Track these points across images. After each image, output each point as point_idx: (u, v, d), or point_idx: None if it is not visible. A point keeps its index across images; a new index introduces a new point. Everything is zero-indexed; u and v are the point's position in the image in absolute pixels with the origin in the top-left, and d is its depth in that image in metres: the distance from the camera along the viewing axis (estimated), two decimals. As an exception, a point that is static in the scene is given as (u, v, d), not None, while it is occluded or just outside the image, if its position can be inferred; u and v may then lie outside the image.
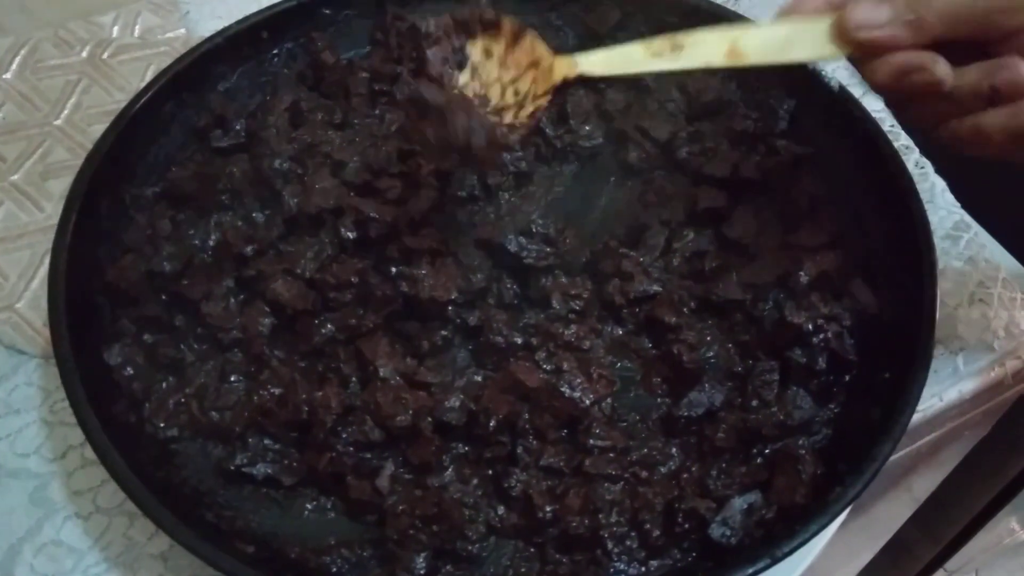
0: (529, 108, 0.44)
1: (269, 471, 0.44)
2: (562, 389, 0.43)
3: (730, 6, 0.70)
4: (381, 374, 0.45)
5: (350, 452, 0.44)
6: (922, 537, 1.08)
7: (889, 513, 0.86)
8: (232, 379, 0.47)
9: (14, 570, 0.46)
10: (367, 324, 0.47)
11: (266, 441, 0.45)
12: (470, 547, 0.42)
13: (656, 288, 0.49)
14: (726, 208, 0.51)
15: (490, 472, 0.44)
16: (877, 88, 0.40)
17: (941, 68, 0.38)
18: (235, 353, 0.48)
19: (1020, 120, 0.37)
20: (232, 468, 0.44)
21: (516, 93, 0.45)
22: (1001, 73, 0.37)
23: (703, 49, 0.42)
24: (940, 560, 1.13)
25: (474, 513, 0.42)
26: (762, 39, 0.41)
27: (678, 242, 0.51)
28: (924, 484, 0.82)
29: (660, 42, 0.42)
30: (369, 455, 0.44)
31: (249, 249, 0.50)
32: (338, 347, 0.47)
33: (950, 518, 1.04)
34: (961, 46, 0.38)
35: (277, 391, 0.45)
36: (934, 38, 0.38)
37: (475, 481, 0.43)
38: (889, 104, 0.41)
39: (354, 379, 0.46)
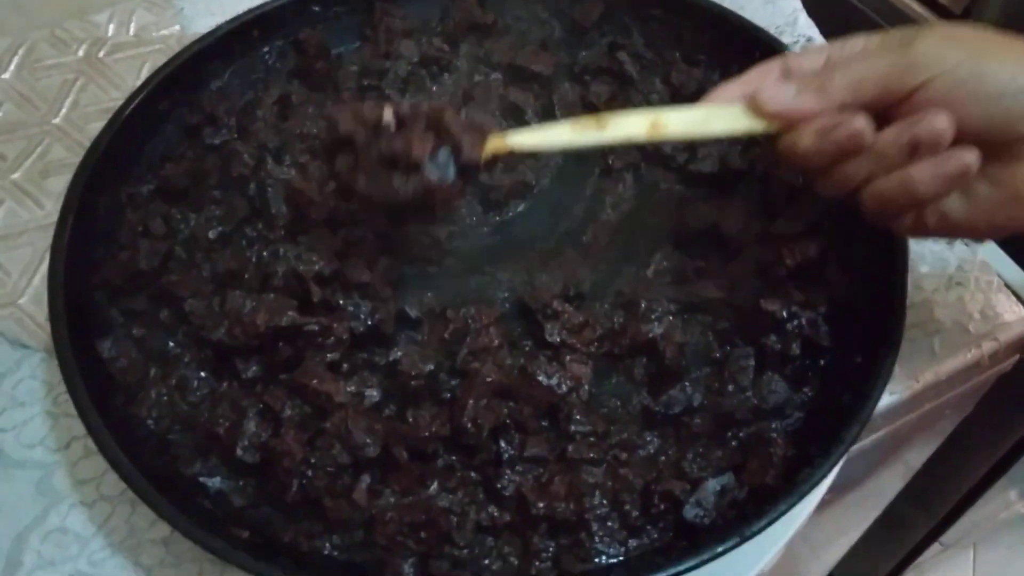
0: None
1: (221, 487, 0.44)
2: (539, 378, 0.45)
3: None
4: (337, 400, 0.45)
5: (321, 475, 0.43)
6: (916, 511, 1.09)
7: (884, 486, 0.88)
8: (202, 375, 0.48)
9: (22, 556, 0.48)
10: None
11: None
12: (456, 553, 0.43)
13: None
14: (711, 224, 0.52)
15: (474, 475, 0.45)
16: (800, 157, 0.41)
17: (859, 120, 0.39)
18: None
19: (946, 166, 0.38)
20: (189, 475, 0.44)
21: None
22: (920, 124, 0.38)
23: (626, 126, 0.44)
24: (935, 533, 1.15)
25: (462, 520, 0.43)
26: (683, 117, 0.44)
27: (664, 261, 0.52)
28: (919, 456, 0.83)
29: (586, 120, 0.44)
30: (344, 476, 0.44)
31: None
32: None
33: (943, 492, 1.06)
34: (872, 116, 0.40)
35: (228, 423, 0.45)
36: (841, 103, 0.40)
37: (460, 493, 0.44)
38: (812, 175, 0.43)
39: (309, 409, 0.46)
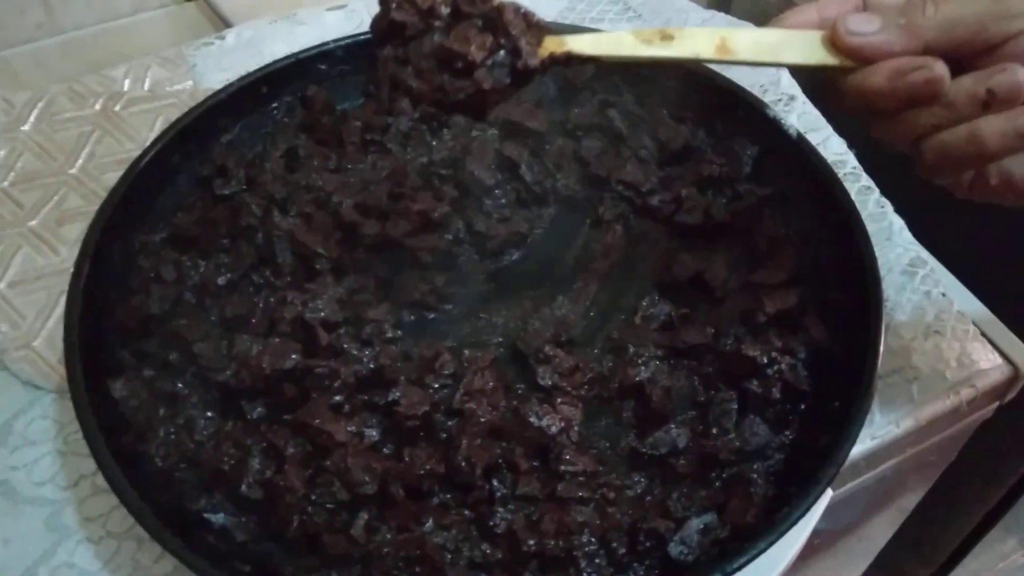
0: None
1: (225, 523, 0.46)
2: (530, 419, 0.47)
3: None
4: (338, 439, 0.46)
5: (320, 511, 0.45)
6: (912, 560, 1.10)
7: (879, 533, 0.89)
8: (209, 415, 0.50)
9: (30, 590, 0.50)
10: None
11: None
12: None
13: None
14: (697, 273, 0.55)
15: (467, 513, 0.46)
16: (869, 97, 0.39)
17: (940, 66, 0.38)
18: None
19: (1018, 122, 0.37)
20: (194, 510, 0.46)
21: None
22: (998, 76, 0.37)
23: (693, 42, 0.42)
24: (933, 583, 1.15)
25: (456, 557, 0.44)
26: (753, 39, 0.42)
27: (651, 308, 0.55)
28: (914, 502, 0.84)
29: (650, 32, 0.42)
30: (342, 513, 0.46)
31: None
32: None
33: (937, 541, 1.07)
34: (948, 62, 0.38)
35: (233, 460, 0.47)
36: (927, 44, 0.38)
37: (454, 531, 0.45)
38: (873, 119, 0.41)
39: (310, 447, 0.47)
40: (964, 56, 0.39)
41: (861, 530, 0.83)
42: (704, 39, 0.42)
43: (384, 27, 0.42)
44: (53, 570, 0.50)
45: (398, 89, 0.43)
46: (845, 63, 0.40)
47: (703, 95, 0.63)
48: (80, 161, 0.70)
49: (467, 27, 0.41)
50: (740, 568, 0.41)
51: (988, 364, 0.58)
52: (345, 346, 0.49)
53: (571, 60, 0.43)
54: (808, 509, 0.43)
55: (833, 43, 0.40)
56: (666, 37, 0.42)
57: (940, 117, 0.38)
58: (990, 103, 0.37)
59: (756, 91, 0.65)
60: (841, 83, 0.40)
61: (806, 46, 0.41)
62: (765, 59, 0.42)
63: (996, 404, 0.62)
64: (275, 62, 0.64)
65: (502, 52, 0.41)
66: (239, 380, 0.48)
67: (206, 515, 0.46)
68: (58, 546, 0.51)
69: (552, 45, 0.43)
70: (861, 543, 0.88)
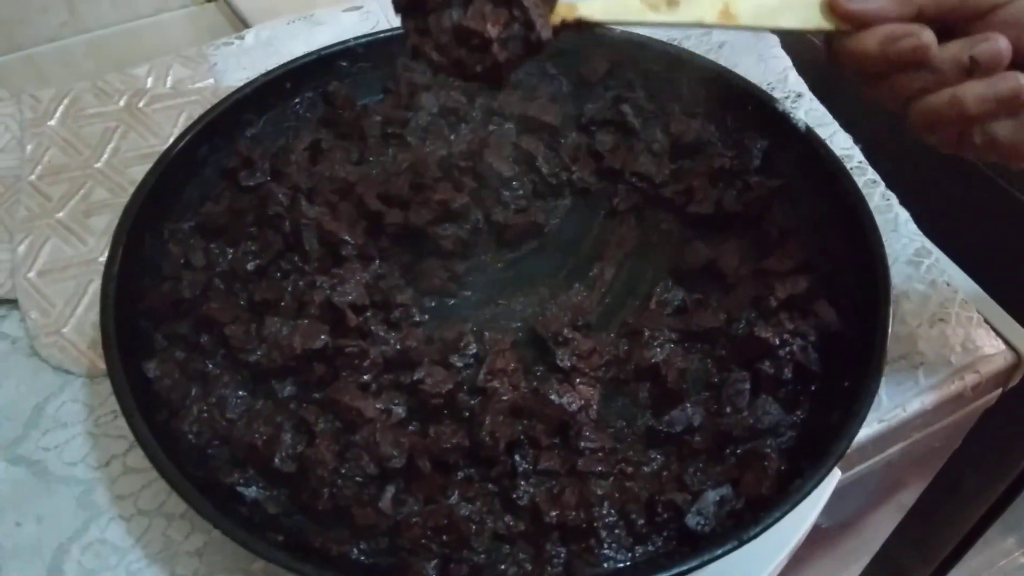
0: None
1: (257, 496, 0.47)
2: (550, 397, 0.49)
3: (711, 55, 0.76)
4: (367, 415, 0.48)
5: (350, 484, 0.47)
6: (912, 556, 1.11)
7: (880, 530, 0.90)
8: (240, 393, 0.51)
9: (64, 566, 0.51)
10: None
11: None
12: (475, 558, 0.46)
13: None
14: (709, 261, 0.57)
15: (491, 487, 0.48)
16: (860, 60, 0.41)
17: (927, 34, 0.40)
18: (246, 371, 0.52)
19: (997, 88, 0.39)
20: (227, 483, 0.48)
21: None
22: (981, 45, 0.39)
23: (697, 7, 0.44)
24: (932, 581, 1.16)
25: (480, 528, 0.46)
26: (754, 4, 0.44)
27: (665, 293, 0.57)
28: (913, 498, 0.86)
29: None
30: (371, 486, 0.47)
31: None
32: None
33: (939, 536, 1.08)
34: (938, 29, 0.41)
35: (265, 436, 0.48)
36: (920, 10, 0.41)
37: (478, 503, 0.47)
38: (865, 81, 0.43)
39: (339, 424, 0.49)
40: (955, 22, 0.41)
41: (862, 527, 0.84)
42: (708, 5, 0.44)
43: (405, 1, 0.44)
44: (86, 546, 0.52)
45: (419, 59, 0.45)
46: (841, 27, 0.42)
47: (714, 91, 0.65)
48: (105, 155, 0.71)
49: (482, 3, 0.43)
50: (755, 537, 0.42)
51: (992, 350, 0.60)
52: (372, 328, 0.51)
53: (581, 25, 0.44)
54: (820, 481, 0.44)
55: (831, 8, 0.42)
56: (672, 3, 0.44)
57: (927, 81, 0.41)
58: (973, 70, 0.40)
59: (764, 88, 0.67)
60: (836, 46, 0.43)
61: (805, 11, 0.43)
62: (765, 24, 0.44)
63: (999, 390, 0.64)
64: (298, 59, 0.66)
65: (516, 25, 0.43)
66: (270, 360, 0.50)
67: (239, 488, 0.48)
68: (90, 523, 0.53)
69: (563, 11, 0.44)
70: (861, 540, 0.90)
